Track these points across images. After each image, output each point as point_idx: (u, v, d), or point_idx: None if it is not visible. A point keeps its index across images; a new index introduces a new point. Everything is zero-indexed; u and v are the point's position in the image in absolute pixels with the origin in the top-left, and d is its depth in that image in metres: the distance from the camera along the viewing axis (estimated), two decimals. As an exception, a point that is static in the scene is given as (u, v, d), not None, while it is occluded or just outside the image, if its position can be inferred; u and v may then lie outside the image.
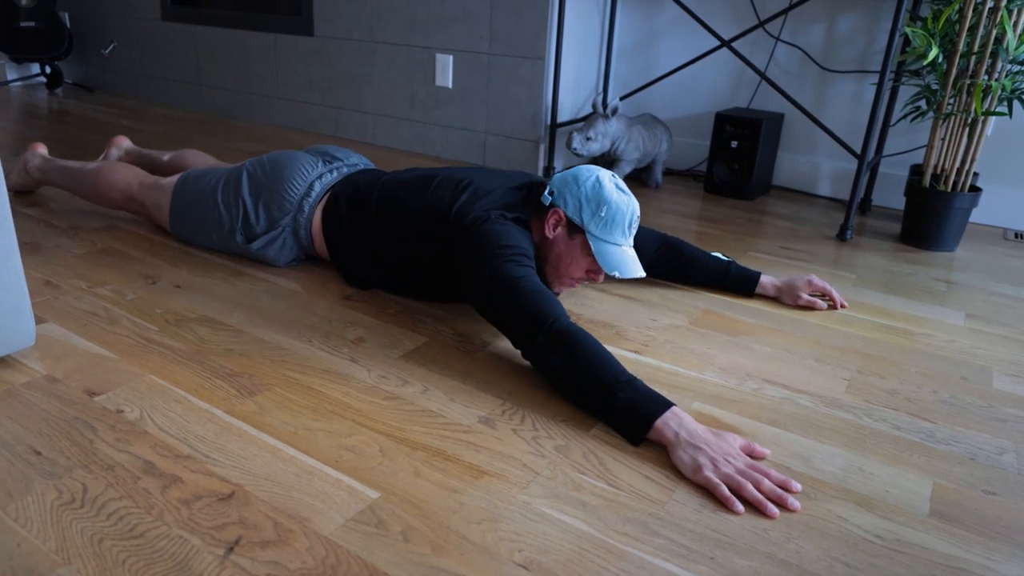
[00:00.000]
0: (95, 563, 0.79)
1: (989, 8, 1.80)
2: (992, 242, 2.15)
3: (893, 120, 2.37)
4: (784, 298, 1.58)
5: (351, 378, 1.20)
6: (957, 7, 1.83)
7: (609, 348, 1.35)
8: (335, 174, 1.60)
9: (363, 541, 0.84)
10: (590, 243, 1.34)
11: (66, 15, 3.96)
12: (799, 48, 2.47)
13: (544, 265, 1.40)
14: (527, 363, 1.27)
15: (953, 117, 1.94)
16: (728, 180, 2.47)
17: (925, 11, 2.22)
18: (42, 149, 1.98)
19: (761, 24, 2.23)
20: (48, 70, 3.90)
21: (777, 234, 2.10)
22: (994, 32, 1.81)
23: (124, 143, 2.09)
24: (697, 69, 2.68)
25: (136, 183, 1.74)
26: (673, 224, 2.14)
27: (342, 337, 1.34)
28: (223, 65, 3.42)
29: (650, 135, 2.46)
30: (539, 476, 0.97)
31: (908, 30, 1.85)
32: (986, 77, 1.88)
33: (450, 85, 2.76)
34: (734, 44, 2.58)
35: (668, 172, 2.78)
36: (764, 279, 1.60)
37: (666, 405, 1.04)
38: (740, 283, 1.60)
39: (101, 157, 2.11)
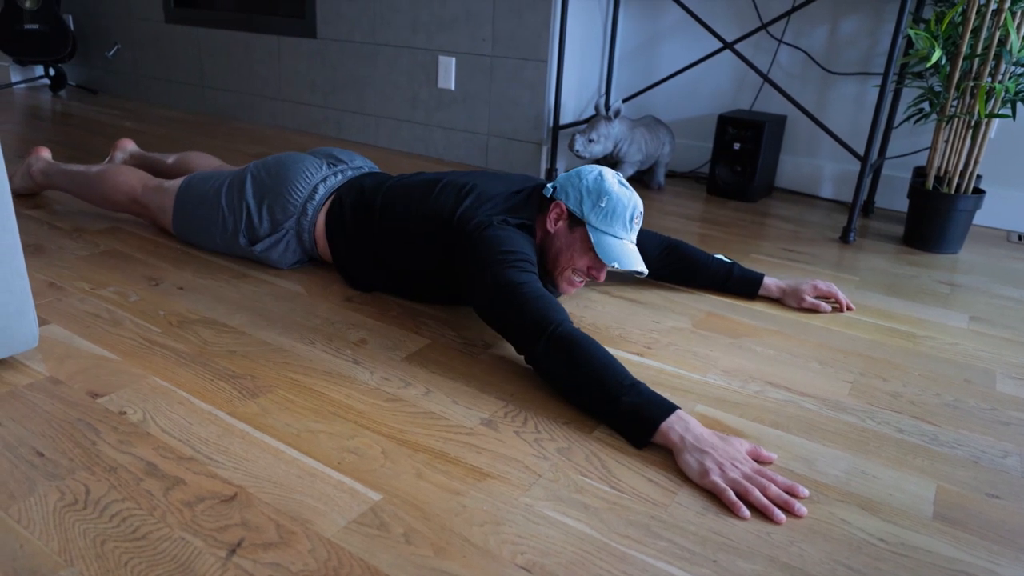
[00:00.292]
0: (97, 565, 0.79)
1: (992, 10, 1.80)
2: (996, 244, 2.15)
3: (896, 122, 2.37)
4: (788, 300, 1.58)
5: (353, 380, 1.20)
6: (960, 9, 1.83)
7: (612, 350, 1.35)
8: (339, 177, 1.60)
9: (365, 543, 0.84)
10: (590, 235, 1.34)
11: (70, 18, 3.97)
12: (802, 50, 2.47)
13: (546, 262, 1.40)
14: (530, 366, 1.27)
15: (956, 119, 1.93)
16: (731, 182, 2.46)
17: (928, 13, 2.22)
18: (46, 153, 1.99)
19: (764, 26, 2.23)
20: (52, 72, 3.91)
21: (780, 236, 2.10)
22: (997, 34, 1.81)
23: (129, 146, 2.10)
24: (700, 71, 2.68)
25: (140, 186, 1.74)
26: (675, 226, 2.14)
27: (344, 339, 1.34)
28: (226, 67, 3.43)
29: (653, 137, 2.46)
30: (541, 478, 0.97)
31: (911, 32, 1.85)
32: (989, 79, 1.88)
33: (452, 87, 2.76)
34: (737, 46, 2.58)
35: (671, 174, 2.78)
36: (768, 281, 1.60)
37: (671, 408, 1.04)
38: (743, 285, 1.60)
39: (106, 160, 2.11)
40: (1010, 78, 1.87)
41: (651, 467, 1.01)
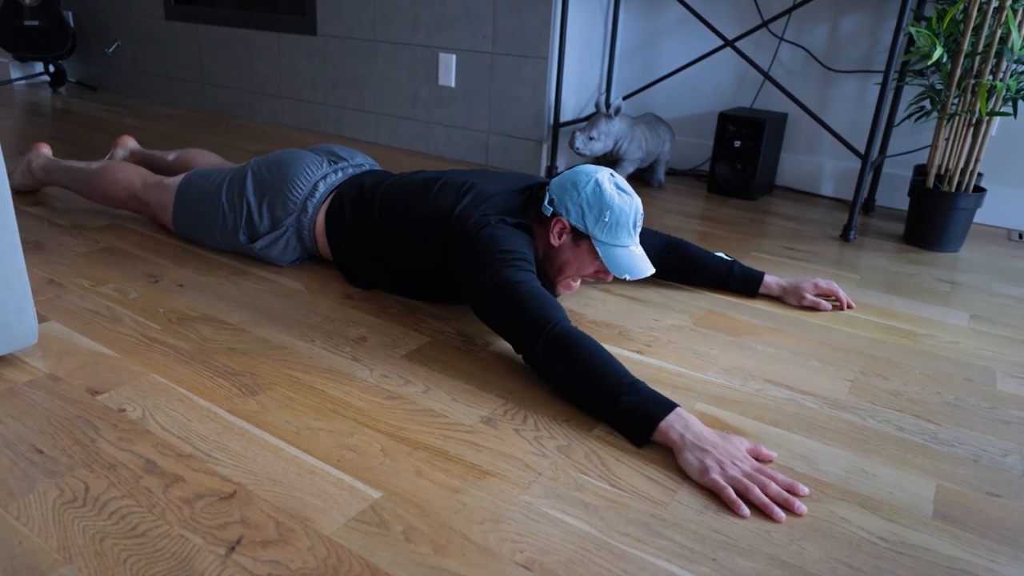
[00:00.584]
0: (96, 562, 0.79)
1: (994, 8, 1.80)
2: (996, 243, 2.15)
3: (897, 120, 2.37)
4: (788, 298, 1.58)
5: (353, 377, 1.19)
6: (962, 7, 1.83)
7: (612, 348, 1.35)
8: (340, 174, 1.60)
9: (365, 541, 0.84)
10: (597, 249, 1.34)
11: (70, 14, 3.97)
12: (803, 48, 2.46)
13: (552, 271, 1.40)
14: (529, 366, 1.27)
15: (957, 117, 1.93)
16: (731, 180, 2.46)
17: (929, 11, 2.21)
18: (45, 149, 1.99)
19: (765, 24, 2.23)
20: (52, 69, 3.90)
21: (780, 234, 2.10)
22: (999, 32, 1.80)
23: (130, 143, 2.09)
24: (700, 69, 2.68)
25: (140, 182, 1.74)
26: (676, 224, 2.14)
27: (344, 336, 1.34)
28: (226, 64, 3.42)
29: (653, 135, 2.46)
30: (541, 476, 0.97)
31: (912, 30, 1.85)
32: (991, 77, 1.87)
33: (453, 84, 2.75)
34: (737, 44, 2.57)
35: (671, 172, 2.78)
36: (768, 279, 1.59)
37: (670, 407, 1.04)
38: (743, 283, 1.60)
39: (107, 157, 2.11)
40: (1011, 76, 1.87)
41: (651, 465, 1.01)
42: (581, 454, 1.02)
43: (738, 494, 0.94)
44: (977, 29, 1.84)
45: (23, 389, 1.11)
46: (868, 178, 2.11)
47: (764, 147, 2.38)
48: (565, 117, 2.65)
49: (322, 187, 1.56)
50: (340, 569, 0.80)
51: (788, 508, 0.93)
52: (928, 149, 2.36)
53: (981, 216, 2.34)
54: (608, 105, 2.76)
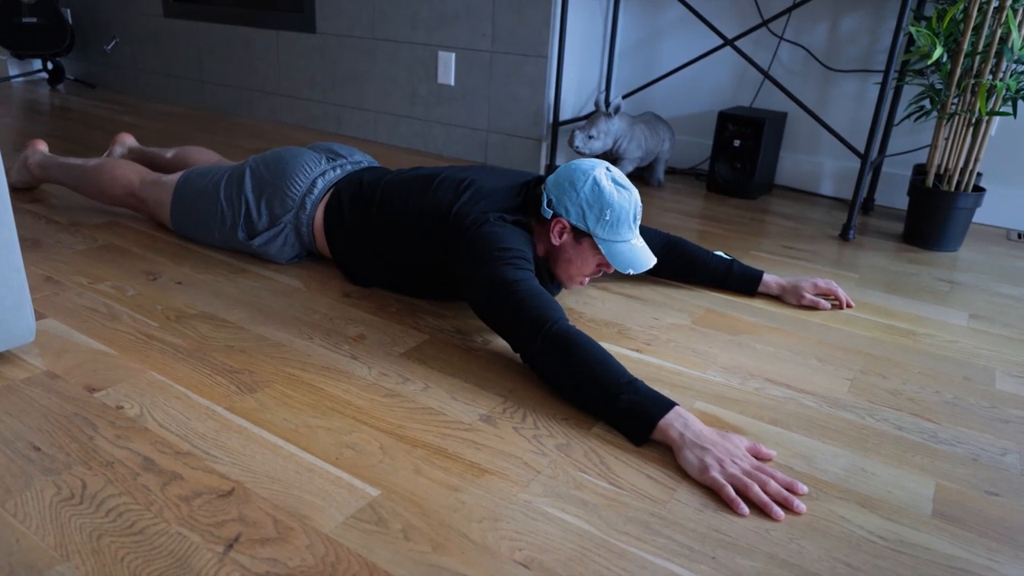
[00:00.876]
0: (94, 560, 0.79)
1: (994, 8, 1.80)
2: (995, 242, 2.15)
3: (897, 119, 2.37)
4: (787, 297, 1.58)
5: (352, 375, 1.19)
6: (962, 6, 1.83)
7: (611, 347, 1.35)
8: (338, 171, 1.59)
9: (363, 539, 0.84)
10: (599, 246, 1.34)
11: (68, 11, 3.96)
12: (802, 47, 2.46)
13: (555, 269, 1.40)
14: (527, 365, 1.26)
15: (957, 117, 1.93)
16: (731, 179, 2.46)
17: (929, 10, 2.21)
18: (43, 146, 1.98)
19: (765, 23, 2.23)
20: (50, 66, 3.90)
21: (780, 233, 2.10)
22: (999, 32, 1.80)
23: (128, 140, 2.09)
24: (700, 68, 2.68)
25: (138, 179, 1.74)
26: (675, 223, 2.14)
27: (343, 334, 1.33)
28: (225, 62, 3.42)
29: (652, 134, 2.46)
30: (540, 475, 0.97)
31: (912, 29, 1.84)
32: (991, 77, 1.87)
33: (452, 83, 2.75)
34: (737, 43, 2.57)
35: (670, 171, 2.78)
36: (767, 277, 1.59)
37: (669, 405, 1.04)
38: (743, 282, 1.60)
39: (105, 154, 2.10)
40: (1011, 76, 1.87)
41: (650, 464, 1.01)
42: (580, 452, 1.02)
43: (737, 492, 0.94)
44: (977, 29, 1.84)
45: (20, 386, 1.10)
46: (867, 177, 2.11)
47: (763, 146, 2.37)
48: (564, 116, 2.65)
49: (320, 184, 1.55)
50: (338, 567, 0.80)
51: (787, 507, 0.93)
52: (927, 149, 2.36)
53: (980, 216, 2.34)
54: (608, 104, 2.76)
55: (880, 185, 2.46)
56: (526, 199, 1.40)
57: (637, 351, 1.33)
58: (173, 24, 3.55)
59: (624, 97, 2.59)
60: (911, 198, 2.06)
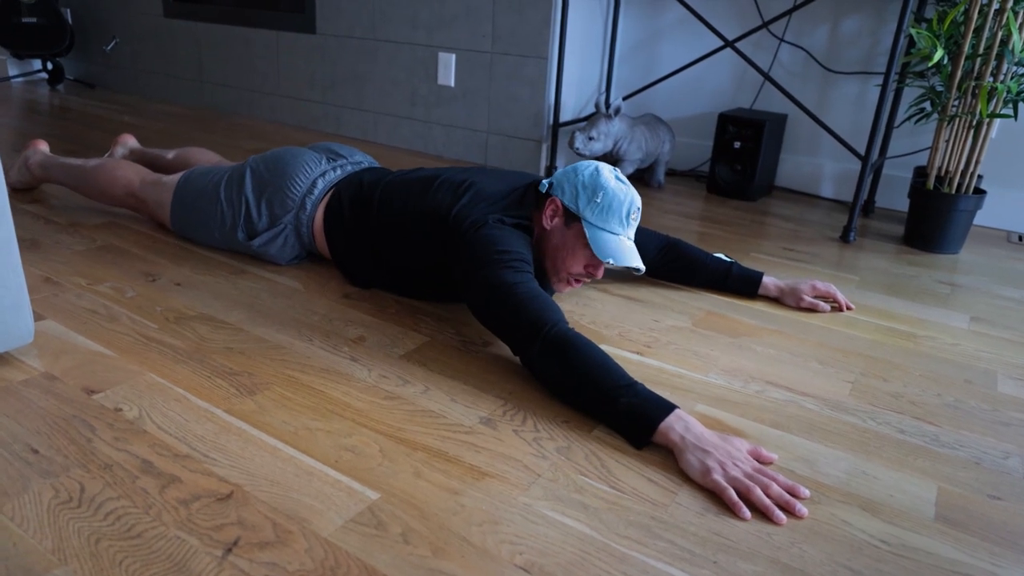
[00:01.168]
0: (92, 563, 0.78)
1: (995, 10, 1.80)
2: (996, 245, 2.15)
3: (897, 122, 2.36)
4: (786, 300, 1.58)
5: (351, 377, 1.19)
6: (962, 9, 1.82)
7: (611, 349, 1.34)
8: (339, 172, 1.59)
9: (362, 542, 0.83)
10: (586, 231, 1.33)
11: (68, 11, 3.96)
12: (803, 49, 2.46)
13: (543, 259, 1.39)
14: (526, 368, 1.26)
15: (958, 119, 1.93)
16: (731, 181, 2.46)
17: (930, 12, 2.21)
18: (43, 146, 1.98)
19: (765, 25, 2.23)
20: (50, 66, 3.89)
21: (780, 235, 2.10)
22: (1000, 34, 1.80)
23: (129, 141, 2.09)
24: (700, 69, 2.67)
25: (138, 180, 1.73)
26: (675, 224, 2.13)
27: (342, 336, 1.33)
28: (225, 62, 3.41)
29: (653, 135, 2.45)
30: (540, 478, 0.97)
31: (913, 31, 1.84)
32: (991, 79, 1.87)
33: (452, 84, 2.75)
34: (737, 44, 2.57)
35: (670, 172, 2.78)
36: (766, 280, 1.59)
37: (669, 408, 1.03)
38: (742, 284, 1.59)
39: (106, 155, 2.10)
40: (1012, 78, 1.87)
41: (651, 467, 1.00)
42: (581, 455, 1.02)
43: (739, 495, 0.94)
44: (978, 31, 1.84)
45: (18, 388, 1.10)
46: (868, 179, 2.11)
47: (764, 148, 2.37)
48: (565, 117, 2.65)
49: (321, 184, 1.55)
50: (338, 571, 0.79)
51: (789, 510, 0.92)
52: (928, 151, 2.36)
53: (981, 218, 2.34)
54: (608, 105, 2.76)
55: (880, 187, 2.46)
56: (526, 200, 1.40)
57: (637, 353, 1.33)
58: (173, 24, 3.55)
59: (624, 98, 2.58)
60: (912, 200, 2.05)
